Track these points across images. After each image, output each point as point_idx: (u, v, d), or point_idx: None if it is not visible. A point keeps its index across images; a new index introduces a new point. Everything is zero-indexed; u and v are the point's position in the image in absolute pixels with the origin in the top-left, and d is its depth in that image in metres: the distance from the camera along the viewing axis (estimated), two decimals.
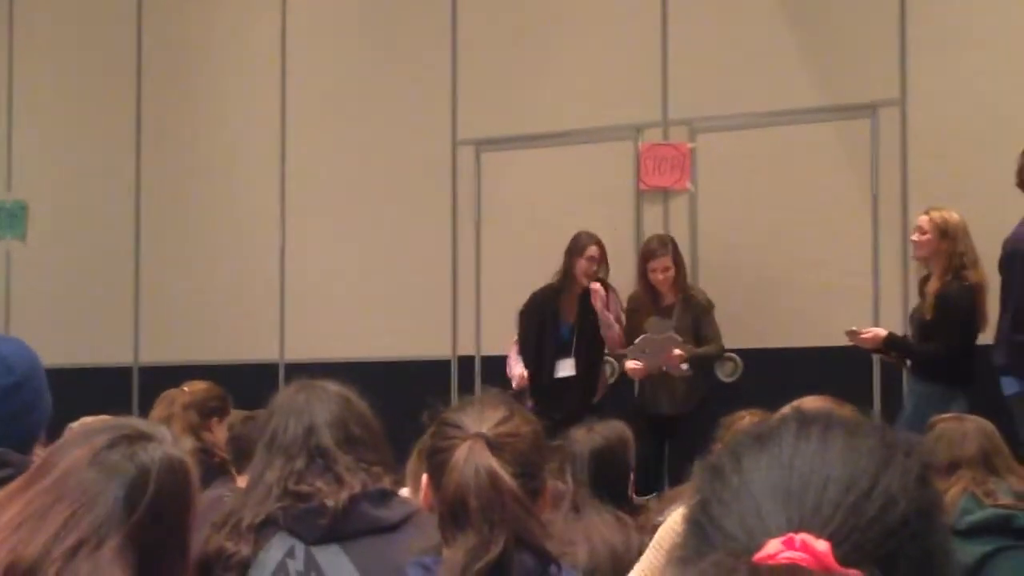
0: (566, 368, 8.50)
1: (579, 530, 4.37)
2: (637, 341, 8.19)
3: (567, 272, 8.53)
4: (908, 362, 7.80)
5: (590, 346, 8.51)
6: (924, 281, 7.68)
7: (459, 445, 2.57)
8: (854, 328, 7.65)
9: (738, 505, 1.26)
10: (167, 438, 2.38)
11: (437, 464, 2.61)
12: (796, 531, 1.19)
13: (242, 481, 4.97)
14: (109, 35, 11.35)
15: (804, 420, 1.34)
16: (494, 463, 2.53)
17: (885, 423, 1.38)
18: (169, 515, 2.34)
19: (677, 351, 8.08)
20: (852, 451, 1.29)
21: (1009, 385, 7.10)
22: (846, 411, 1.42)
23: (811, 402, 3.64)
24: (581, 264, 8.47)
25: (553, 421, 3.71)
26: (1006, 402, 7.06)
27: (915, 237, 7.67)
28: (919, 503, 1.27)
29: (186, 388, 5.99)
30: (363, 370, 9.80)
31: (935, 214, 7.60)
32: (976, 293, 7.48)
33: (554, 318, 8.55)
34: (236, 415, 5.82)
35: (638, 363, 8.15)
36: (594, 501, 4.51)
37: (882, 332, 7.68)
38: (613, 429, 4.87)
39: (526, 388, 8.49)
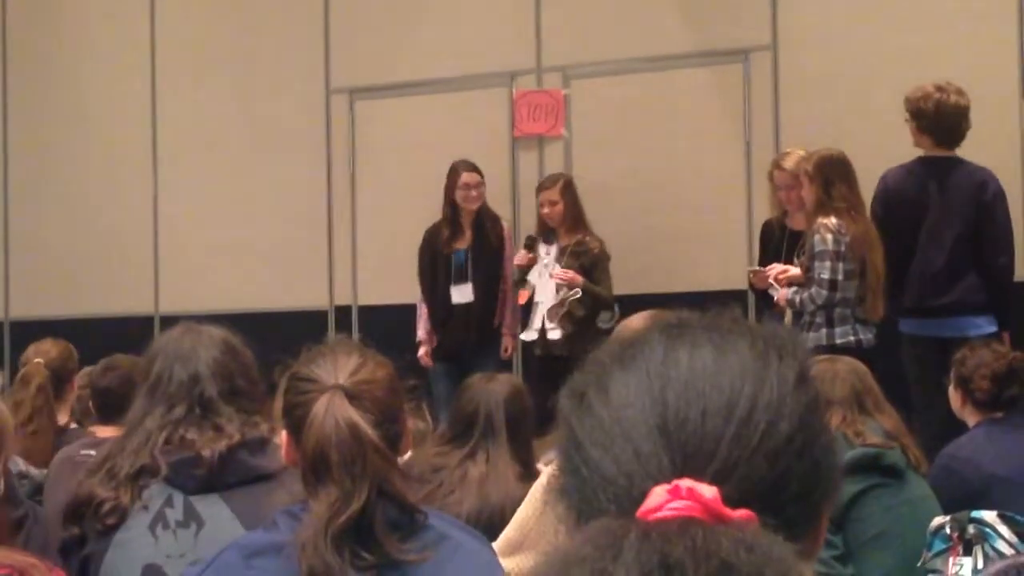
0: (464, 294, 8.54)
1: (475, 480, 4.35)
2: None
3: (449, 202, 8.57)
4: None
5: (487, 271, 8.55)
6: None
7: (317, 398, 2.52)
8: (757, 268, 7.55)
9: (613, 445, 1.19)
10: None
11: (296, 419, 2.56)
12: (679, 475, 1.14)
13: (105, 432, 4.87)
14: None
15: (669, 335, 1.27)
16: (354, 415, 2.49)
17: (752, 323, 1.32)
18: None
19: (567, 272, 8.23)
20: (725, 369, 1.22)
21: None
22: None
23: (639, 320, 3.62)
24: (459, 192, 8.51)
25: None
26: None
27: None
28: (800, 411, 1.22)
29: (38, 360, 5.57)
30: (240, 321, 9.61)
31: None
32: None
33: (447, 245, 8.55)
34: (95, 369, 5.48)
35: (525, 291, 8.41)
36: (502, 452, 4.46)
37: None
38: (513, 380, 4.82)
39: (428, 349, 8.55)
